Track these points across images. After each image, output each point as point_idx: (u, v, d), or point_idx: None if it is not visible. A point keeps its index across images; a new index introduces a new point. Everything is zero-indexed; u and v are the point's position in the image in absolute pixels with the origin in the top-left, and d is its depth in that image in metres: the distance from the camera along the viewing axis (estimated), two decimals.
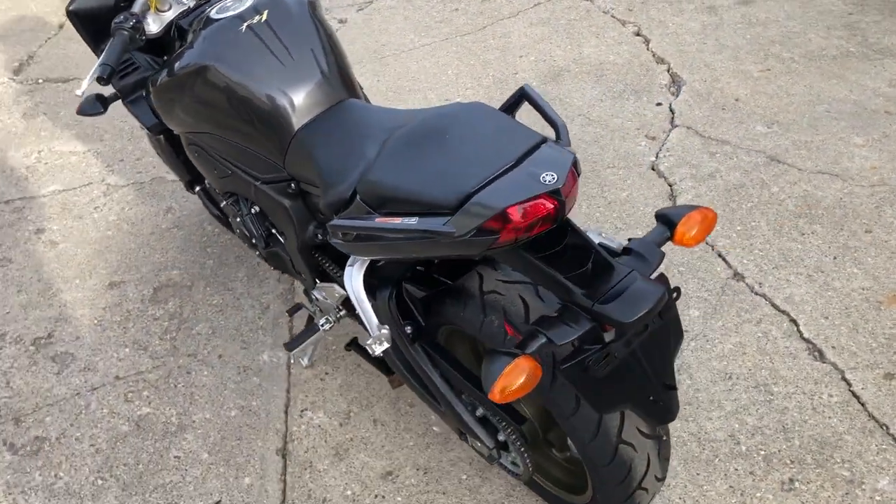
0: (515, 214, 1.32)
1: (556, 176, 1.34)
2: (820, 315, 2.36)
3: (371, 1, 4.48)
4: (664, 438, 1.67)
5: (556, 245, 1.44)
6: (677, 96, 3.40)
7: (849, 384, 2.17)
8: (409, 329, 1.74)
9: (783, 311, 2.39)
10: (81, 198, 3.17)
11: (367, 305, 1.68)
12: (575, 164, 1.40)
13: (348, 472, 2.11)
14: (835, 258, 2.54)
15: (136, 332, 2.56)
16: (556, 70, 3.68)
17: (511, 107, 1.74)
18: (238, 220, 2.27)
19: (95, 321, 2.62)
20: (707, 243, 2.64)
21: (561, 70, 3.68)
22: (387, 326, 1.70)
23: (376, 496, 2.05)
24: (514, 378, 1.31)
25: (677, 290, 1.44)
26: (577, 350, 1.39)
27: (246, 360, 2.45)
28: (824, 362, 2.23)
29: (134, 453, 2.20)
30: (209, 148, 2.12)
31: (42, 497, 2.10)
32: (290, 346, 2.17)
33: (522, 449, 1.74)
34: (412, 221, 1.44)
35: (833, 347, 2.27)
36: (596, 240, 1.49)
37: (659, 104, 3.37)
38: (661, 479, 1.70)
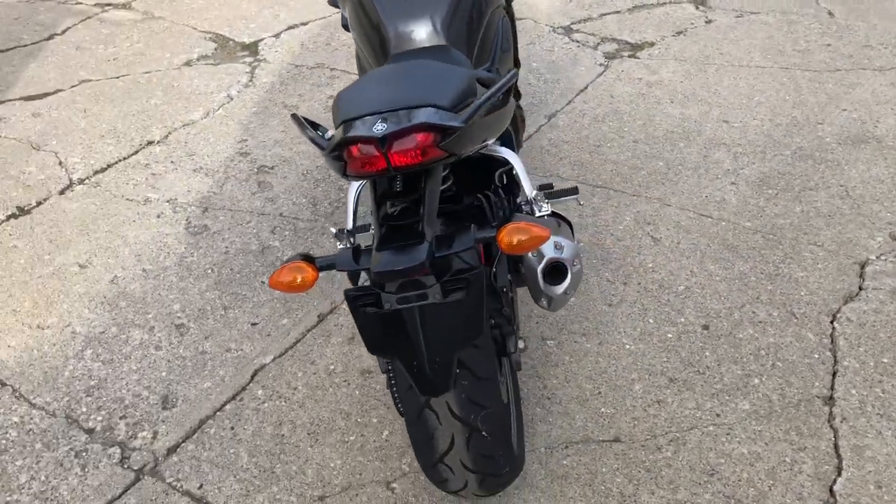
0: (354, 151, 1.47)
1: (385, 127, 1.45)
2: None
3: (758, 11, 4.28)
4: (484, 436, 1.67)
5: (409, 193, 1.55)
6: None
7: None
8: None
9: None
10: None
11: None
12: (431, 128, 1.46)
13: None
14: None
15: None
16: (863, 136, 3.23)
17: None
18: None
19: None
20: None
21: (868, 138, 3.21)
22: None
23: None
24: (285, 274, 1.49)
25: (466, 282, 1.46)
26: (367, 287, 1.50)
27: None
28: None
29: None
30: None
31: None
32: None
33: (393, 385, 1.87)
34: (327, 134, 1.65)
35: None
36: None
37: None
38: (474, 473, 1.70)
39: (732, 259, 2.73)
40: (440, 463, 1.69)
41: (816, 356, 2.33)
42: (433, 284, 1.46)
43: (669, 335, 2.46)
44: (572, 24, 4.36)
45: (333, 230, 1.84)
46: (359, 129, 1.46)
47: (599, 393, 2.28)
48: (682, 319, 2.51)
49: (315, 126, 1.65)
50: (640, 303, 2.57)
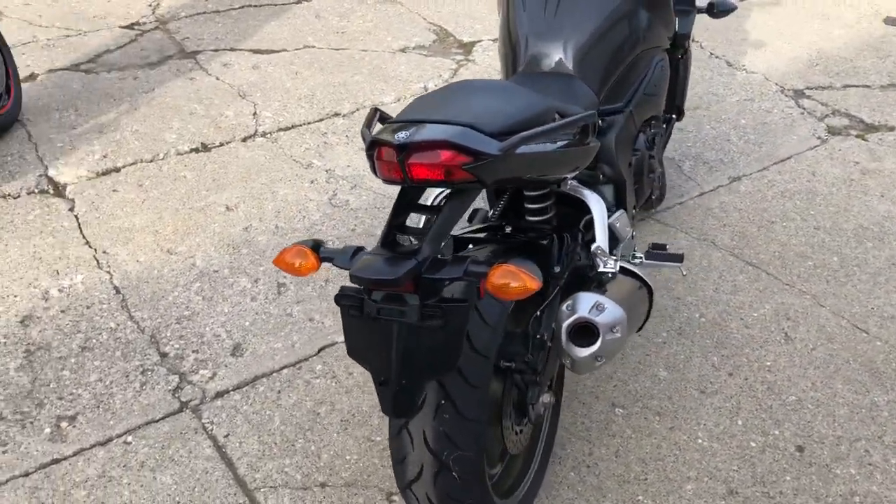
0: (382, 154, 1.45)
1: (406, 136, 1.41)
2: None
3: None
4: (454, 477, 1.59)
5: (431, 209, 1.51)
6: None
7: None
8: None
9: None
10: None
11: None
12: (456, 147, 1.40)
13: None
14: None
15: None
16: None
17: None
18: None
19: None
20: None
21: None
22: None
23: None
24: (288, 256, 1.50)
25: (444, 312, 1.39)
26: (357, 290, 1.48)
27: None
28: None
29: None
30: None
31: None
32: None
33: None
34: None
35: None
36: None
37: None
38: None
39: (870, 385, 2.37)
40: (408, 489, 1.64)
41: None
42: (415, 304, 1.41)
43: (753, 444, 2.18)
44: (807, 88, 3.98)
45: None
46: (386, 134, 1.44)
47: (645, 479, 2.08)
48: (777, 432, 2.21)
49: (385, 120, 1.65)
50: (736, 399, 2.31)
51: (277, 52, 4.13)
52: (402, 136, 1.42)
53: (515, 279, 1.38)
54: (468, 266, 1.42)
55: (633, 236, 2.16)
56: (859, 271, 2.82)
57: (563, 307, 1.68)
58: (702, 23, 4.66)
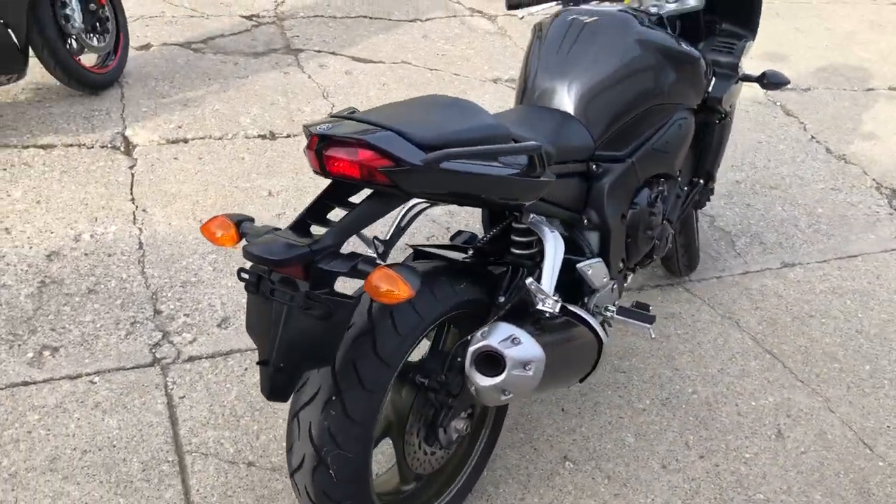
0: (310, 144, 1.49)
1: (328, 128, 1.44)
2: None
3: None
4: (331, 475, 1.59)
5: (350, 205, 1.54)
6: None
7: None
8: None
9: None
10: None
11: None
12: (374, 149, 1.41)
13: None
14: None
15: None
16: None
17: None
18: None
19: None
20: None
21: None
22: None
23: None
24: (212, 225, 1.54)
25: (324, 305, 1.40)
26: (257, 268, 1.52)
27: None
28: None
29: None
30: None
31: None
32: None
33: None
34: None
35: None
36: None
37: None
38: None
39: (855, 503, 2.18)
40: (293, 477, 1.65)
41: None
42: (303, 291, 1.44)
43: None
44: None
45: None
46: (317, 125, 1.48)
47: None
48: None
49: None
50: (698, 483, 2.18)
51: (374, 62, 4.27)
52: (323, 128, 1.46)
53: (390, 284, 1.38)
54: (357, 263, 1.44)
55: (613, 289, 2.10)
56: (889, 386, 2.60)
57: (479, 332, 1.66)
58: (813, 103, 4.46)
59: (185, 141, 3.37)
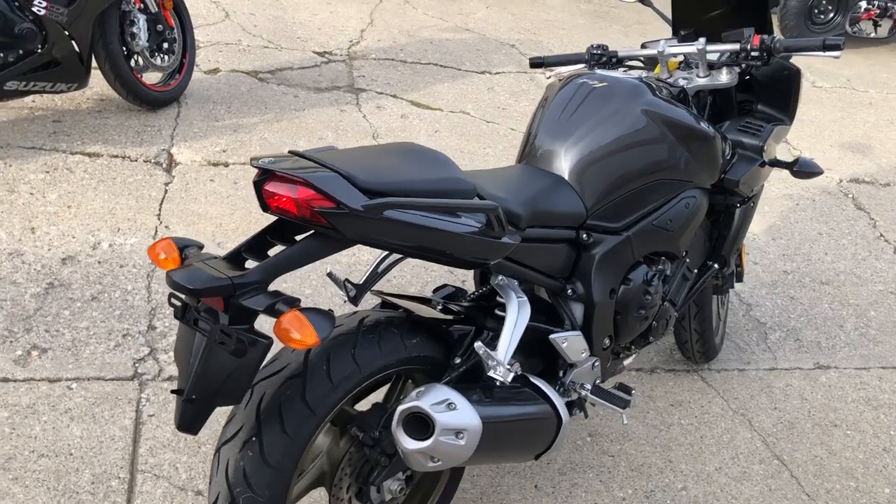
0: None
1: (271, 162, 1.41)
2: None
3: None
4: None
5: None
6: None
7: None
8: None
9: None
10: None
11: None
12: (310, 186, 1.38)
13: None
14: None
15: None
16: None
17: None
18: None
19: None
20: None
21: None
22: None
23: None
24: (158, 246, 1.52)
25: (235, 341, 1.36)
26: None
27: None
28: None
29: None
30: None
31: None
32: None
33: None
34: None
35: None
36: None
37: None
38: None
39: None
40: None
41: None
42: (220, 324, 1.40)
43: None
44: None
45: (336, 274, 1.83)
46: (264, 158, 1.46)
47: None
48: None
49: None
50: None
51: (433, 109, 4.28)
52: (267, 161, 1.43)
53: (298, 328, 1.33)
54: (277, 302, 1.40)
55: (595, 366, 1.98)
56: None
57: (415, 392, 1.58)
58: (890, 199, 4.22)
59: (226, 164, 3.43)
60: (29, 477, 2.00)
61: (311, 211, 1.40)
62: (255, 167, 1.44)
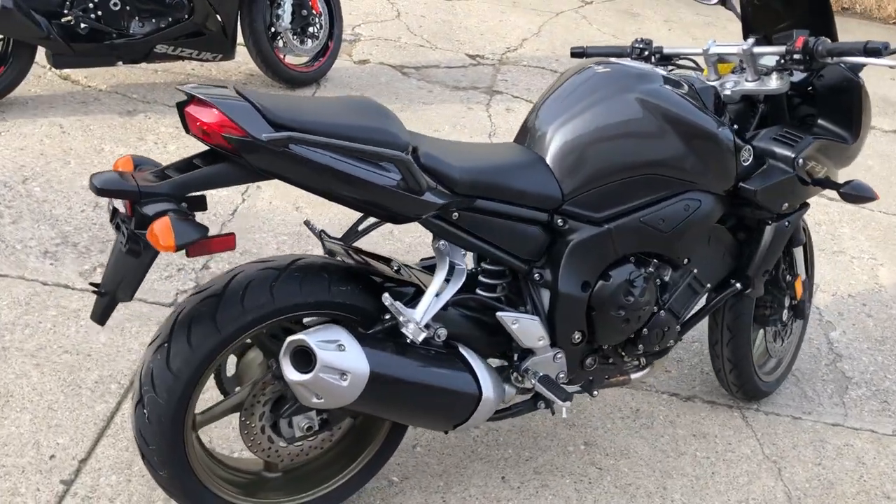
0: None
1: (194, 87, 1.52)
2: None
3: None
4: (144, 413, 1.64)
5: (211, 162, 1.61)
6: None
7: None
8: None
9: None
10: None
11: None
12: (223, 113, 1.46)
13: None
14: None
15: None
16: None
17: None
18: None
19: None
20: None
21: None
22: None
23: None
24: (118, 162, 1.70)
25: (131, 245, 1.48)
26: None
27: None
28: None
29: None
30: None
31: None
32: None
33: None
34: None
35: None
36: None
37: None
38: None
39: None
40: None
41: None
42: (129, 228, 1.53)
43: None
44: None
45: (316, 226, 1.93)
46: (195, 86, 1.57)
47: None
48: None
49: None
50: None
51: None
52: (193, 87, 1.55)
53: (160, 231, 1.42)
54: (166, 211, 1.50)
55: (557, 358, 1.91)
56: None
57: (314, 328, 1.62)
58: None
59: None
60: (48, 366, 2.27)
61: (218, 136, 1.49)
62: (181, 91, 1.56)
